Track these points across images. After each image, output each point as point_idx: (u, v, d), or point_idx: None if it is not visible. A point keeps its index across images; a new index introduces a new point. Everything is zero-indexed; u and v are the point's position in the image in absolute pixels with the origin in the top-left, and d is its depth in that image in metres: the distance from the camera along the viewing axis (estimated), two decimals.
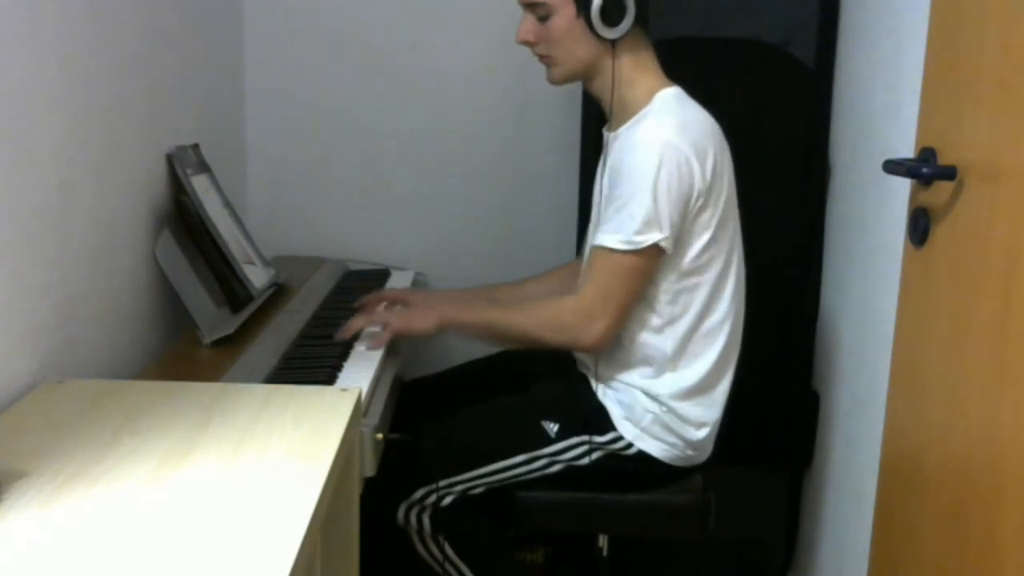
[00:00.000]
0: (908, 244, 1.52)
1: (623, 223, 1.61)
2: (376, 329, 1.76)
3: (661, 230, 1.60)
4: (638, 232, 1.60)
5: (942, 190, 1.40)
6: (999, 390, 1.22)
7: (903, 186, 1.62)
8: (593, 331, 1.65)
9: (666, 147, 1.59)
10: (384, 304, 1.93)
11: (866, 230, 1.91)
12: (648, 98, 1.68)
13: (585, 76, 1.73)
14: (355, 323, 1.76)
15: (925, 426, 1.45)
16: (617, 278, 1.64)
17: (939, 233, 1.42)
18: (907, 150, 1.60)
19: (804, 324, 2.21)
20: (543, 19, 1.69)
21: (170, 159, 1.82)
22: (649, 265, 1.64)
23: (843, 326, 2.05)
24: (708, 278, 1.68)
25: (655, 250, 1.62)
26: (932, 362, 1.43)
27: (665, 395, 1.70)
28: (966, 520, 1.30)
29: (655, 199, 1.58)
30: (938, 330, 1.41)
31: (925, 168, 1.41)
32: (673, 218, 1.60)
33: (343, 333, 1.74)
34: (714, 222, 1.65)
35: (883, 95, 1.84)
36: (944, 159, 1.41)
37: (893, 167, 1.47)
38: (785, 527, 2.31)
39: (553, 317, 1.69)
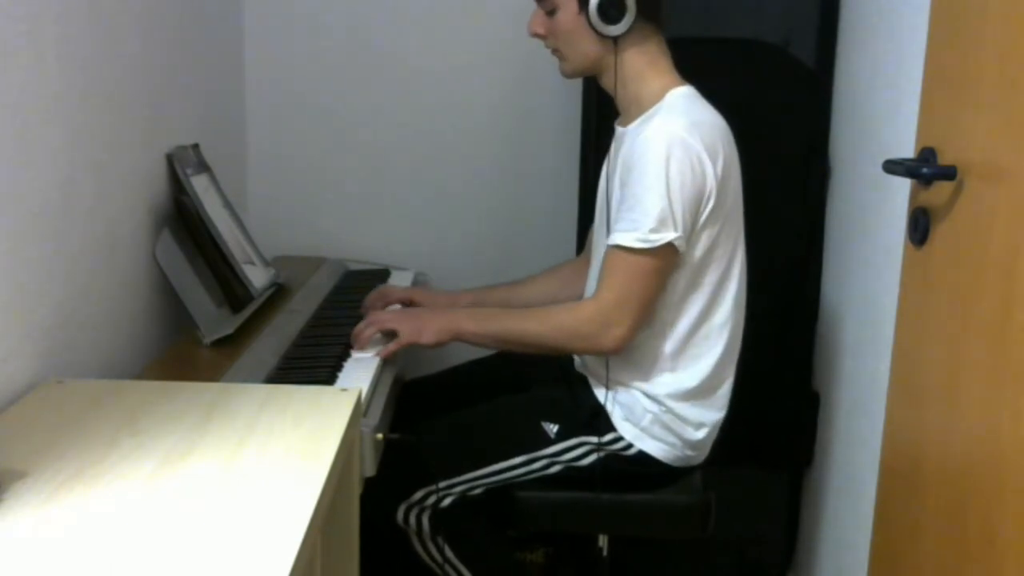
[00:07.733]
0: (908, 244, 1.52)
1: (637, 221, 1.59)
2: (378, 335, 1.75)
3: (675, 228, 1.58)
4: (653, 230, 1.58)
5: (942, 190, 1.40)
6: (999, 390, 1.22)
7: (903, 186, 1.62)
8: (613, 336, 1.62)
9: (677, 144, 1.57)
10: (389, 307, 1.92)
11: (866, 230, 1.91)
12: (660, 95, 1.67)
13: (593, 71, 1.74)
14: (366, 333, 1.73)
15: (925, 426, 1.45)
16: (634, 280, 1.61)
17: (939, 233, 1.42)
18: (907, 150, 1.60)
19: (804, 324, 2.21)
20: (550, 13, 1.71)
21: (170, 159, 1.82)
22: (665, 265, 1.62)
23: (843, 326, 2.05)
24: (710, 280, 1.67)
25: (670, 249, 1.60)
26: (932, 362, 1.43)
27: (663, 395, 1.69)
28: (966, 520, 1.30)
29: (668, 197, 1.57)
30: (938, 330, 1.41)
31: (925, 168, 1.41)
32: (686, 217, 1.59)
33: (358, 345, 1.72)
34: (719, 224, 1.64)
35: (883, 95, 1.84)
36: (944, 159, 1.41)
37: (893, 167, 1.47)
38: (785, 527, 2.32)
39: (571, 324, 1.66)
